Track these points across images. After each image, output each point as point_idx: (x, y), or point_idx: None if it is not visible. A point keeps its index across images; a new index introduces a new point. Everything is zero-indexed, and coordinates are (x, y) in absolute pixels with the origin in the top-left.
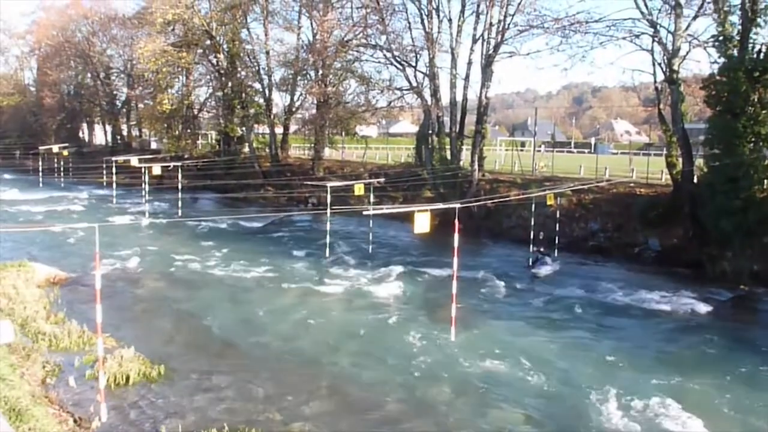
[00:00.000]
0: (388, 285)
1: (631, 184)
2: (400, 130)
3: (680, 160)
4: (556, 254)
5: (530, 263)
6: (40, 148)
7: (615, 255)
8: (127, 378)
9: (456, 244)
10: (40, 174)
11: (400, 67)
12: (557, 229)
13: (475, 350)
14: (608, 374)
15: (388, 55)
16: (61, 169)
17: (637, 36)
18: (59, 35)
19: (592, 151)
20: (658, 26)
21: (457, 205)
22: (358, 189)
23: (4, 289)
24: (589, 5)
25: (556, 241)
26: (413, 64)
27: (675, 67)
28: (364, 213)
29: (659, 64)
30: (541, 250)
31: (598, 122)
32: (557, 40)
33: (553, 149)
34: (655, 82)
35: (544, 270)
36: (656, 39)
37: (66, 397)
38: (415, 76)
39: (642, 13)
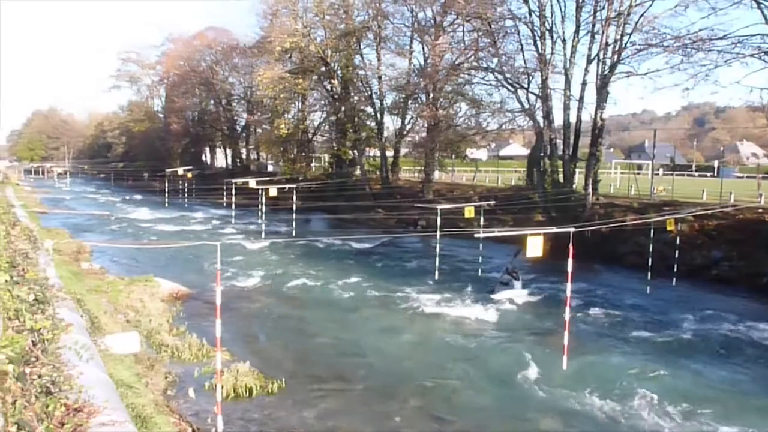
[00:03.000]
0: (497, 309)
1: (759, 210)
2: (510, 153)
3: None
4: (673, 282)
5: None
6: (167, 170)
7: (739, 285)
8: (243, 391)
9: (570, 269)
10: (166, 194)
11: (512, 89)
12: (677, 256)
13: (588, 381)
14: (738, 417)
15: (500, 77)
16: (185, 190)
17: (767, 53)
18: (185, 65)
19: (715, 174)
20: None
21: (572, 229)
22: (468, 212)
23: (131, 303)
24: (713, 22)
25: (675, 269)
26: (525, 85)
27: None
28: (475, 236)
29: None
30: (511, 271)
31: (722, 144)
32: (678, 58)
33: (672, 172)
34: None
35: (503, 293)
36: None
37: (185, 407)
38: (527, 98)
39: None
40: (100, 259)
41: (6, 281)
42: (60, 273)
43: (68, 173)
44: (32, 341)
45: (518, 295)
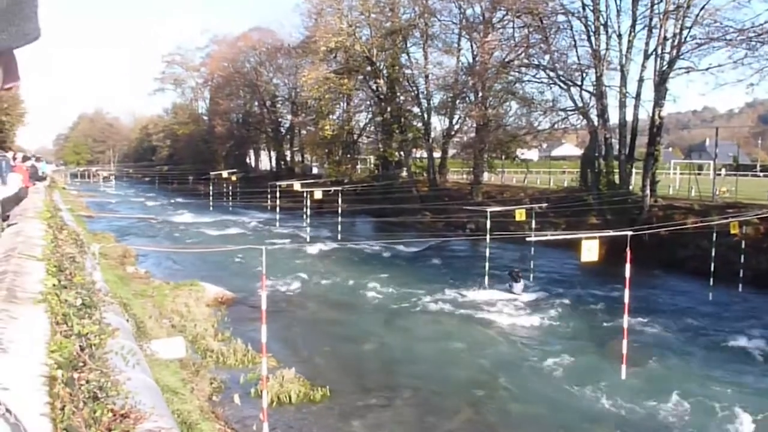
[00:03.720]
0: (549, 316)
1: None
2: (562, 153)
3: None
4: (739, 288)
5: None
6: (211, 173)
7: None
8: (288, 398)
9: (627, 274)
10: (211, 198)
11: (565, 87)
12: (742, 261)
13: (648, 392)
14: None
15: (552, 74)
16: (229, 193)
17: None
18: (230, 66)
19: None
20: None
21: (629, 233)
22: (519, 214)
23: (177, 307)
24: None
25: (740, 274)
26: (579, 83)
27: None
28: (527, 239)
29: None
30: (515, 274)
31: None
32: (742, 52)
33: (735, 173)
34: None
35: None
36: None
37: (231, 414)
38: (581, 96)
39: None
40: (145, 263)
41: (54, 285)
42: (106, 277)
43: (113, 177)
44: (80, 346)
45: (517, 297)
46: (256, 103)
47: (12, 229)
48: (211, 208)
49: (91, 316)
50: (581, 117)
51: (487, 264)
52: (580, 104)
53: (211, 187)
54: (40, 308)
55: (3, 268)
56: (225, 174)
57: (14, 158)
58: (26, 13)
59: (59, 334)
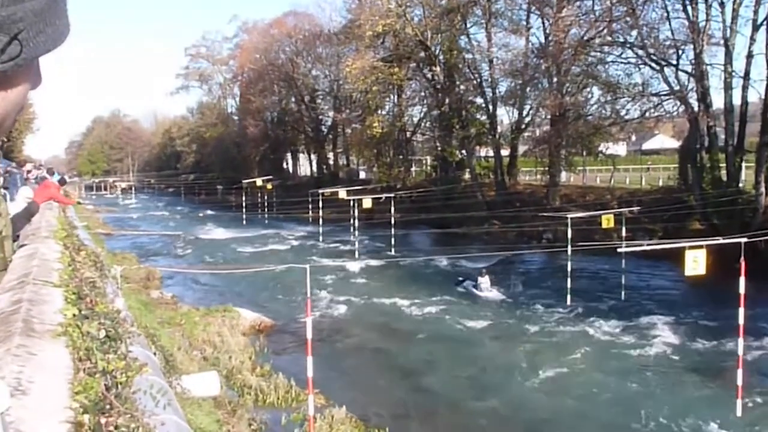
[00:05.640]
0: (646, 341)
1: None
2: (655, 146)
3: None
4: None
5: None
6: (243, 181)
7: None
8: None
9: (742, 290)
10: (243, 210)
11: (657, 68)
12: None
13: None
14: None
15: (641, 53)
16: (265, 204)
17: None
18: (262, 58)
19: None
20: None
21: (742, 240)
22: (606, 221)
23: (209, 336)
24: None
25: None
26: (673, 62)
27: None
28: (617, 250)
29: None
30: (486, 273)
31: None
32: None
33: None
34: None
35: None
36: None
37: None
38: (677, 78)
39: None
40: (172, 286)
41: (74, 315)
42: (129, 303)
43: (133, 188)
44: (105, 385)
45: (484, 297)
46: (294, 100)
47: (24, 250)
48: (244, 222)
49: (116, 350)
50: (678, 102)
51: (569, 280)
52: (676, 87)
53: (243, 198)
54: (60, 342)
55: (17, 296)
56: (259, 182)
57: (28, 171)
58: (61, 9)
59: (82, 371)
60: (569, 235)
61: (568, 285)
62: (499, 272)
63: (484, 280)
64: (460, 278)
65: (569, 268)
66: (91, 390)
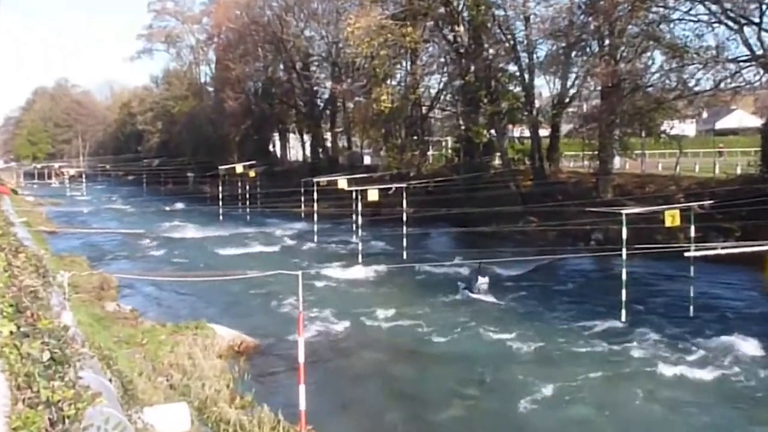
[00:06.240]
0: (722, 366)
1: None
2: (732, 125)
3: None
4: None
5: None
6: (220, 168)
7: None
8: None
9: None
10: (220, 203)
11: (735, 27)
12: None
13: None
14: None
15: (715, 8)
16: (247, 195)
17: None
18: (243, 15)
19: None
20: None
21: None
22: (670, 218)
23: (177, 359)
24: None
25: None
26: (756, 20)
27: None
28: (686, 254)
29: None
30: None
31: None
32: None
33: None
34: None
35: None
36: None
37: None
38: (759, 40)
39: None
40: (132, 296)
41: (12, 333)
42: (79, 318)
43: (84, 176)
44: (49, 419)
45: (480, 297)
46: (282, 67)
47: None
48: (221, 218)
49: (62, 376)
50: (761, 70)
51: (623, 290)
52: (758, 51)
53: (220, 188)
54: None
55: None
56: (240, 168)
57: None
58: None
59: (22, 402)
60: (624, 236)
61: (623, 297)
62: (535, 281)
63: (483, 281)
64: (461, 283)
65: (624, 276)
66: (32, 425)
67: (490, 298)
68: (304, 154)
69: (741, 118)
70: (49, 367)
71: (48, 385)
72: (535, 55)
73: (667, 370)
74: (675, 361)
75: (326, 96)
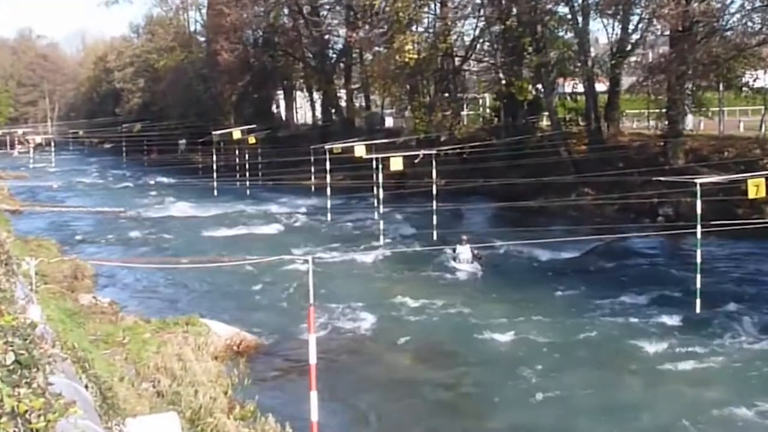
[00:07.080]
0: None
1: None
2: None
3: None
4: None
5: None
6: (214, 133)
7: None
8: None
9: None
10: (214, 175)
11: None
12: None
13: None
14: None
15: None
16: (246, 166)
17: None
18: None
19: None
20: None
21: None
22: (754, 188)
23: (165, 362)
24: None
25: None
26: None
27: None
28: None
29: None
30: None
31: None
32: None
33: None
34: None
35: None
36: None
37: None
38: None
39: None
40: (110, 287)
41: None
42: (49, 313)
43: (53, 143)
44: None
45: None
46: (287, 11)
47: None
48: (215, 193)
49: (30, 382)
50: None
51: (698, 275)
52: None
53: (214, 157)
54: None
55: None
56: (237, 134)
57: None
58: None
59: None
60: (699, 210)
61: (698, 284)
62: (592, 265)
63: (464, 250)
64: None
65: (699, 259)
66: None
67: (472, 269)
68: (313, 115)
69: None
70: (13, 371)
71: (13, 392)
72: None
73: (752, 363)
74: (764, 352)
75: (339, 46)
